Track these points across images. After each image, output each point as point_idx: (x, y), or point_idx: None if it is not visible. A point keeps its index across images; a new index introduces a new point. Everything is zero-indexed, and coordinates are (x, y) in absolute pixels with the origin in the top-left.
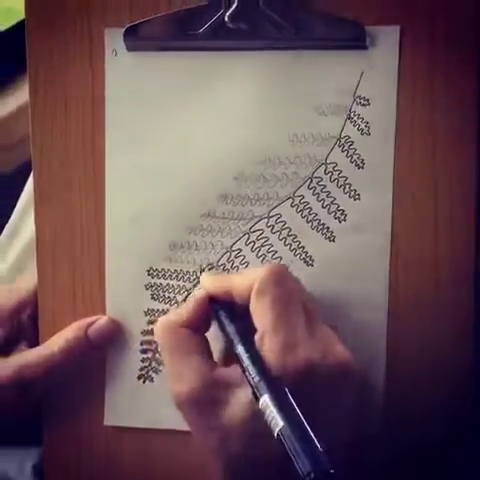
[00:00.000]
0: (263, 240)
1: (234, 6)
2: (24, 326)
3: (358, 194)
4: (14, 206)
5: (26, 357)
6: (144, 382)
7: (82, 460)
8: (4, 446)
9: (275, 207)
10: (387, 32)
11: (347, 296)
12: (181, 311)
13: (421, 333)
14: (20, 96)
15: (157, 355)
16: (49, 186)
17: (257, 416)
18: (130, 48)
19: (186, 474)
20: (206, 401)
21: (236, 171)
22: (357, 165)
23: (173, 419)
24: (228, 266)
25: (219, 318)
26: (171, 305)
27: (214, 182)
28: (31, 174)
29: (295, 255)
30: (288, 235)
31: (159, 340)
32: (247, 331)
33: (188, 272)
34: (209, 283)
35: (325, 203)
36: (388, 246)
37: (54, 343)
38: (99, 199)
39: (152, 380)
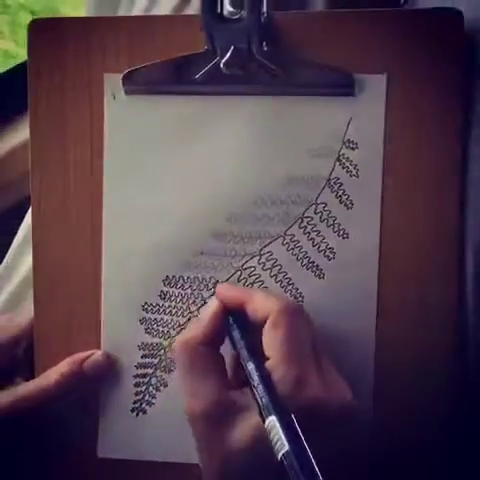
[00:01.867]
0: (255, 277)
1: (229, 54)
2: (19, 360)
3: (347, 233)
4: (8, 245)
5: (22, 390)
6: (137, 415)
7: None
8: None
9: (266, 245)
10: (374, 80)
11: (335, 331)
12: (197, 327)
13: (407, 367)
14: (17, 136)
15: (150, 388)
16: (47, 223)
17: (260, 442)
18: (128, 92)
19: None
20: (217, 420)
21: (229, 210)
22: (346, 205)
23: (166, 452)
24: None
25: (231, 332)
26: (165, 339)
27: (208, 220)
28: (28, 211)
29: (285, 291)
30: (279, 272)
31: (177, 358)
32: (258, 350)
33: (182, 307)
34: (225, 293)
35: (315, 242)
36: (375, 283)
37: (50, 376)
38: (96, 236)
39: (145, 412)
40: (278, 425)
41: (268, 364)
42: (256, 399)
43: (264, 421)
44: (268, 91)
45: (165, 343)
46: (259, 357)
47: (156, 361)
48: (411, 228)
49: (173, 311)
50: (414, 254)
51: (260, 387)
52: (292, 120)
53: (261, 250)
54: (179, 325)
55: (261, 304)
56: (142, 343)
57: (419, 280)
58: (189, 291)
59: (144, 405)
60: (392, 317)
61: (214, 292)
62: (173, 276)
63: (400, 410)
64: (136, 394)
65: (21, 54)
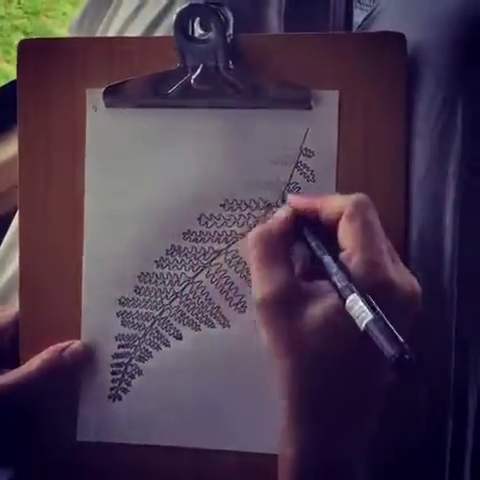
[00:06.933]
0: (222, 272)
1: (199, 71)
2: (5, 350)
3: None
4: None
5: (6, 376)
6: (114, 401)
7: (55, 472)
8: None
9: (232, 244)
10: (328, 95)
11: None
12: (270, 223)
13: None
14: (16, 145)
15: (126, 376)
16: (33, 227)
17: (331, 325)
18: (108, 105)
19: None
20: (287, 304)
21: (199, 212)
22: None
23: (139, 435)
24: (190, 296)
25: (304, 234)
26: (140, 330)
27: (180, 222)
28: (15, 217)
29: (249, 286)
30: (243, 268)
31: (251, 247)
32: (331, 247)
33: (155, 301)
34: (297, 201)
35: None
36: None
37: (32, 363)
38: (78, 238)
39: (121, 399)
40: (360, 300)
41: (344, 254)
42: (335, 285)
43: (345, 302)
44: (234, 105)
45: (140, 334)
46: (334, 251)
47: (131, 351)
48: None
49: (147, 304)
50: None
51: (339, 274)
52: (255, 131)
53: (227, 248)
54: (153, 317)
55: (334, 203)
56: (118, 334)
57: None
58: (162, 286)
59: (120, 392)
60: None
61: (184, 287)
62: (147, 273)
63: None
64: (113, 381)
65: (15, 73)
